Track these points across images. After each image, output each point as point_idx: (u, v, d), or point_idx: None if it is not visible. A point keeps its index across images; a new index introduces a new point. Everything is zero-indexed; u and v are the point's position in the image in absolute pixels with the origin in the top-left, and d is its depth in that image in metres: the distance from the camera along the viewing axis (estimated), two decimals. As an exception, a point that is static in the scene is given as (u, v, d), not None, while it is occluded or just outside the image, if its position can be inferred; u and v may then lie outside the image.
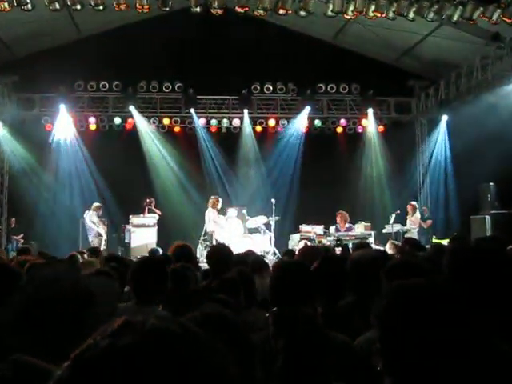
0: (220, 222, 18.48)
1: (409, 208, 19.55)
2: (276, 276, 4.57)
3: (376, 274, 5.00)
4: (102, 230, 18.94)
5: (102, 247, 17.80)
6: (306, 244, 14.98)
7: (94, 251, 11.41)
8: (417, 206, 19.89)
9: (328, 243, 17.01)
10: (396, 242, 12.32)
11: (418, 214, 19.59)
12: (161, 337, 1.28)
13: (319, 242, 17.77)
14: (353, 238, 17.70)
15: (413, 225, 19.26)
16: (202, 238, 18.48)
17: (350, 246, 15.77)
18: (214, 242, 16.95)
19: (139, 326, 1.30)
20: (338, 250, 11.88)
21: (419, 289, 2.40)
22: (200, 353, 1.28)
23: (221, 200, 18.75)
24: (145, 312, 4.98)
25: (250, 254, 9.25)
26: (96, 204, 19.23)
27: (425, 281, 2.54)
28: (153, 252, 11.89)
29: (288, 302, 4.10)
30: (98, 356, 1.24)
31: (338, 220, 18.37)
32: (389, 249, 10.90)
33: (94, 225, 18.81)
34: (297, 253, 8.60)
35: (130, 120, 21.59)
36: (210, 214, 18.46)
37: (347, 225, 18.36)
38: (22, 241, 19.80)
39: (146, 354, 1.24)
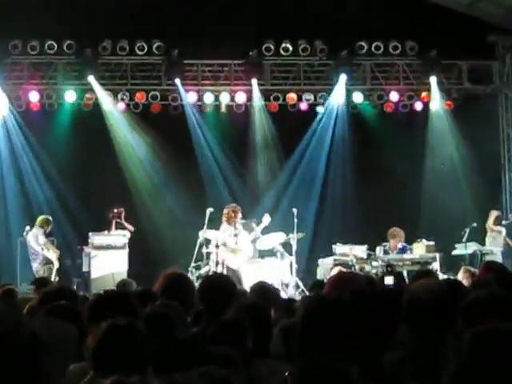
0: (236, 246, 18.45)
1: (490, 220, 19.64)
2: (303, 319, 4.59)
3: (443, 315, 5.17)
4: (53, 254, 18.79)
5: (53, 278, 17.93)
6: (340, 271, 15.13)
7: (42, 283, 11.47)
8: (500, 215, 19.95)
9: (374, 270, 17.11)
10: (473, 269, 12.42)
11: (501, 228, 19.67)
12: None
13: (361, 268, 17.85)
14: (409, 263, 17.82)
15: (495, 244, 19.32)
16: (194, 264, 18.54)
17: (405, 273, 15.92)
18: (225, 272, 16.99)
19: None
20: (389, 280, 12.03)
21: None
22: None
23: (239, 209, 18.73)
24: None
25: (262, 286, 9.39)
26: (42, 217, 19.12)
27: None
28: (123, 286, 11.88)
29: (316, 354, 4.14)
30: None
31: (391, 239, 18.56)
32: (462, 278, 10.98)
33: (39, 247, 18.80)
34: (326, 283, 8.67)
35: (88, 95, 21.64)
36: (223, 233, 18.49)
37: (400, 245, 18.51)
38: None
39: None
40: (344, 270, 16.10)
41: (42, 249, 18.75)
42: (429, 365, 5.03)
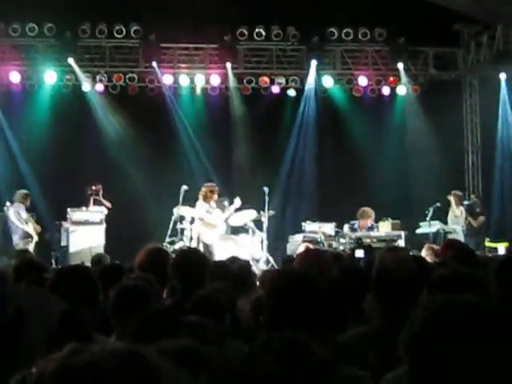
0: (212, 221, 18.34)
1: (452, 199, 19.66)
2: (272, 292, 4.44)
3: (412, 288, 4.90)
4: (31, 228, 18.72)
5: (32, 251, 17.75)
6: (307, 247, 14.90)
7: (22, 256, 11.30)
8: (461, 196, 20.00)
9: (341, 247, 17.01)
10: (436, 247, 12.23)
11: (462, 209, 19.75)
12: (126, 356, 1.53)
13: (329, 245, 17.80)
14: (375, 240, 17.72)
15: (457, 223, 19.28)
16: (168, 239, 18.39)
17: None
18: (201, 247, 16.88)
19: (96, 348, 1.56)
20: (360, 253, 11.79)
21: (472, 307, 2.36)
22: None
23: (217, 189, 18.55)
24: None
25: (233, 261, 9.22)
26: (21, 192, 18.96)
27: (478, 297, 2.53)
28: (98, 260, 11.74)
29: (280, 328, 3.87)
30: (48, 376, 1.45)
31: (362, 219, 18.47)
32: (426, 255, 10.81)
33: (19, 222, 18.63)
34: (295, 259, 8.50)
35: (67, 76, 21.48)
36: (199, 209, 18.36)
37: (370, 224, 18.47)
38: None
39: (107, 370, 1.46)
40: (311, 246, 16.00)
41: (22, 223, 18.58)
42: (394, 339, 4.78)
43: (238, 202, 18.53)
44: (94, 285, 5.72)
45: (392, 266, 5.26)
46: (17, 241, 18.48)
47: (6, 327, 3.06)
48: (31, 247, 18.18)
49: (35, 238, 18.69)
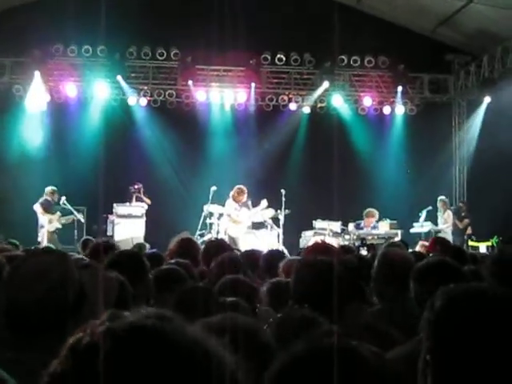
0: (239, 218, 18.40)
1: (439, 204, 19.76)
2: (298, 280, 4.42)
3: (407, 277, 4.98)
4: (44, 219, 18.55)
5: (41, 239, 17.93)
6: (316, 241, 14.98)
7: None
8: (447, 201, 19.99)
9: (346, 243, 17.03)
10: (427, 243, 12.30)
11: (449, 212, 19.70)
12: (165, 319, 1.46)
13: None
14: (375, 237, 17.78)
15: (445, 223, 19.32)
16: (198, 232, 18.47)
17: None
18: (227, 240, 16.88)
19: (133, 313, 1.51)
20: (364, 251, 11.88)
21: (485, 293, 2.30)
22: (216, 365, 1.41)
23: (246, 191, 18.53)
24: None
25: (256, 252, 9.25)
26: (49, 188, 18.96)
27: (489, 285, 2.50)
28: (139, 248, 11.75)
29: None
30: (98, 340, 1.40)
31: (367, 218, 18.60)
32: (419, 250, 10.89)
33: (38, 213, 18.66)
34: (305, 250, 8.49)
35: (116, 91, 21.64)
36: (228, 206, 18.43)
37: (373, 223, 18.56)
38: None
39: (151, 331, 1.41)
40: (320, 240, 16.08)
41: (38, 214, 18.66)
42: (394, 320, 4.88)
43: (264, 203, 18.55)
44: (144, 265, 5.71)
45: (391, 257, 5.38)
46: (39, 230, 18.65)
47: (71, 304, 2.98)
48: (43, 236, 18.28)
49: (46, 228, 18.45)
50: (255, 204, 18.67)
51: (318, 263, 4.42)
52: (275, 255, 8.42)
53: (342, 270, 4.41)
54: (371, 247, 12.54)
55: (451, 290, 2.33)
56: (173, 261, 6.77)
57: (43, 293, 2.84)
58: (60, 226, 18.66)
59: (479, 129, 21.81)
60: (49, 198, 18.72)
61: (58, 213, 18.87)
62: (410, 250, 9.61)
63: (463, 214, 20.22)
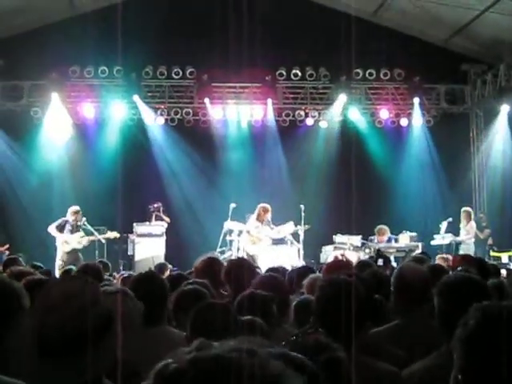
0: (259, 236, 18.38)
1: (462, 215, 19.44)
2: (320, 300, 4.46)
3: (425, 293, 5.04)
4: (60, 240, 18.30)
5: (56, 260, 17.84)
6: (335, 258, 15.09)
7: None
8: (471, 212, 19.82)
9: (367, 256, 17.05)
10: (445, 256, 12.31)
11: (473, 223, 19.47)
12: (248, 352, 1.51)
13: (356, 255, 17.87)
14: (395, 250, 17.80)
15: (467, 235, 19.19)
16: (219, 249, 18.51)
17: (393, 259, 15.92)
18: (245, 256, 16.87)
19: (220, 344, 1.56)
20: (380, 262, 11.94)
21: None
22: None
23: (269, 209, 18.46)
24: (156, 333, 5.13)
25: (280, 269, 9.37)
26: (72, 208, 18.62)
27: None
28: (160, 268, 11.78)
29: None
30: (183, 368, 1.48)
31: (378, 235, 18.65)
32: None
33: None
34: (323, 268, 8.59)
35: (133, 111, 21.75)
36: (249, 224, 18.48)
37: (386, 238, 18.59)
38: (8, 253, 19.62)
39: (234, 365, 1.46)
40: (339, 255, 16.15)
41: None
42: (414, 334, 4.95)
43: (291, 226, 18.69)
44: (163, 287, 5.83)
45: (408, 274, 5.43)
46: None
47: (96, 329, 2.99)
48: (56, 257, 18.13)
49: (61, 248, 18.20)
50: (276, 222, 18.71)
51: (334, 282, 4.47)
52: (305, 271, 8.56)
53: (359, 288, 4.44)
54: (387, 259, 12.58)
55: (485, 308, 2.33)
56: (191, 280, 6.90)
57: (70, 318, 2.92)
58: (79, 247, 18.51)
59: (504, 138, 21.77)
60: (70, 218, 18.55)
61: (80, 233, 18.56)
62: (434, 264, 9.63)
63: (484, 225, 20.12)
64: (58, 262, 17.77)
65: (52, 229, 18.32)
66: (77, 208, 18.63)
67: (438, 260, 12.41)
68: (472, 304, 2.41)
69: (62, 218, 18.52)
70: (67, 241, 18.27)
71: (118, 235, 18.82)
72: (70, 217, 18.50)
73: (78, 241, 18.42)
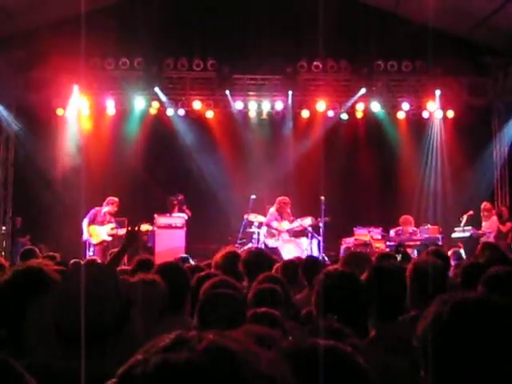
0: (278, 228, 18.55)
1: (484, 208, 19.46)
2: (320, 291, 4.60)
3: (440, 285, 5.09)
4: (86, 233, 18.56)
5: (87, 254, 17.91)
6: (349, 250, 15.12)
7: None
8: (493, 205, 19.77)
9: (388, 249, 17.06)
10: (455, 249, 12.36)
11: (495, 217, 19.45)
12: (220, 355, 1.35)
13: (376, 247, 17.91)
14: (417, 243, 17.79)
15: (489, 228, 19.15)
16: (239, 241, 18.61)
17: (416, 252, 15.93)
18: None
19: (195, 341, 1.39)
20: (399, 257, 11.97)
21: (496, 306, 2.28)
22: (259, 374, 1.36)
23: (289, 202, 18.71)
24: (176, 322, 5.21)
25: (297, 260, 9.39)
26: (109, 199, 18.93)
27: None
28: (182, 261, 11.84)
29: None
30: (149, 373, 1.33)
31: (403, 226, 18.59)
32: (450, 254, 11.03)
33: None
34: (339, 261, 8.61)
35: (154, 103, 21.79)
36: (269, 216, 18.67)
37: (410, 229, 18.55)
38: (29, 243, 19.69)
39: (203, 372, 1.31)
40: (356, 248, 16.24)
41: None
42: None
43: (308, 220, 18.83)
44: (188, 278, 6.01)
45: (423, 266, 5.47)
46: None
47: (117, 318, 3.08)
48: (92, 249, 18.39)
49: (90, 241, 18.56)
50: (296, 214, 18.75)
51: (345, 276, 4.58)
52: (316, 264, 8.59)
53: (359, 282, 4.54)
54: (406, 255, 12.58)
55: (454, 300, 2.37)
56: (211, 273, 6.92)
57: (91, 305, 2.98)
58: (108, 239, 18.67)
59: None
60: (106, 209, 18.68)
61: (111, 225, 18.80)
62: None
63: (506, 218, 20.09)
64: (89, 254, 17.95)
65: (84, 223, 18.46)
66: (113, 198, 18.93)
67: (451, 253, 12.50)
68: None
69: (94, 208, 18.71)
70: (96, 233, 18.44)
71: (150, 228, 18.80)
72: (107, 208, 18.71)
73: (108, 232, 18.58)
